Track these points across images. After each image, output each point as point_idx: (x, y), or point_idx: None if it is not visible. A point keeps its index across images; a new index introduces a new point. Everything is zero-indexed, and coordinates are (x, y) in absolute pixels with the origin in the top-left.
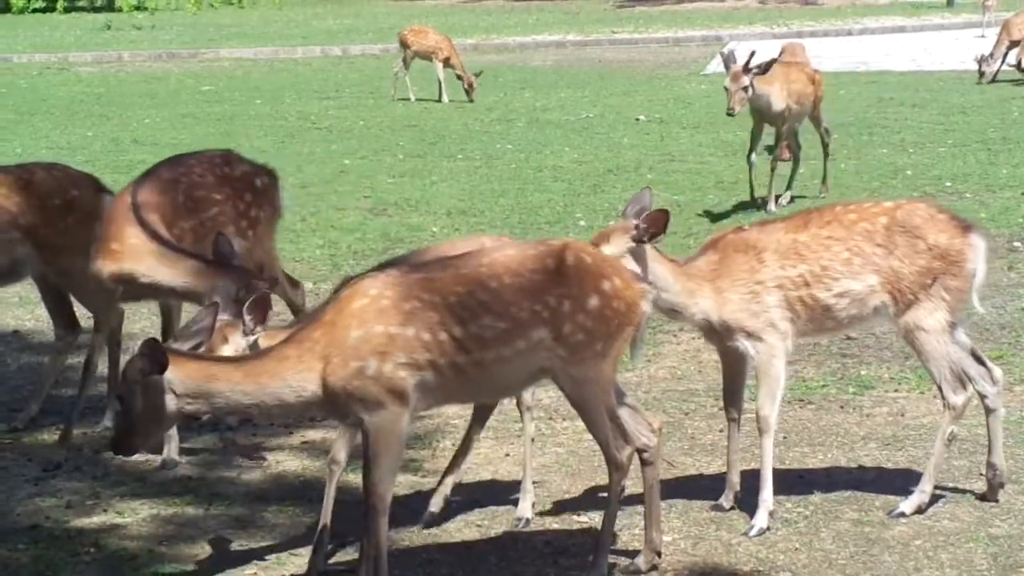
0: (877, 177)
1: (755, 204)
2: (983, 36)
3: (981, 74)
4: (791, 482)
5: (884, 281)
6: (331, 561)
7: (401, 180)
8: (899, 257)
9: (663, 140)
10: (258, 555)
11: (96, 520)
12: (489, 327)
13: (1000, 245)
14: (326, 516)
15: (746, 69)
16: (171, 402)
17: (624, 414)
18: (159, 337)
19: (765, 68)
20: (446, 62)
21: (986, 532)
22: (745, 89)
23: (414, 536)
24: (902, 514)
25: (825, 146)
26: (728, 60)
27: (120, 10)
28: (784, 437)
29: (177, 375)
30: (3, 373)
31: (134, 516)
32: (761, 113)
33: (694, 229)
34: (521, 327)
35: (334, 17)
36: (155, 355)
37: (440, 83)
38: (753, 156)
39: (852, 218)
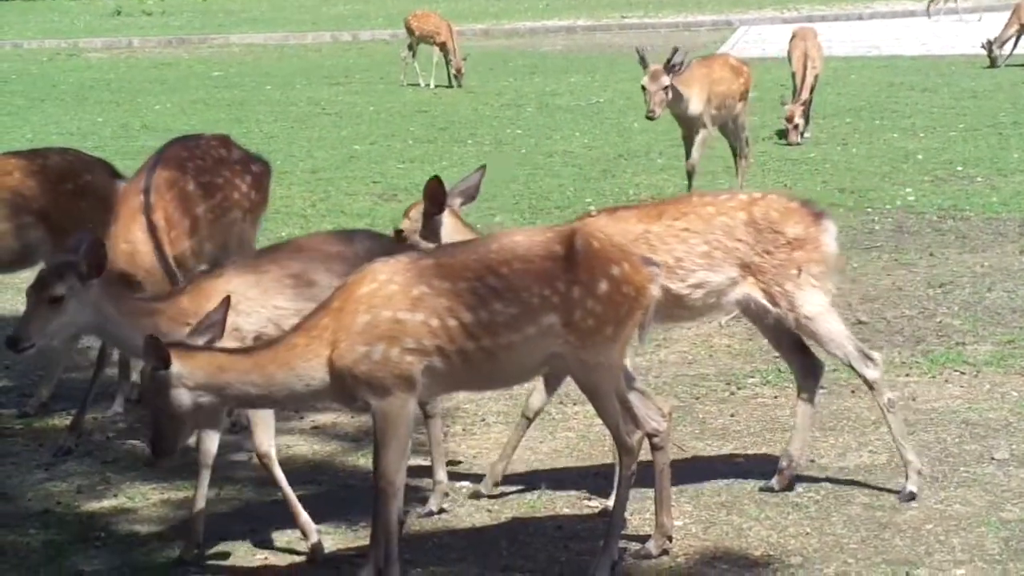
0: (888, 162)
1: None
2: (980, 19)
3: (992, 60)
4: (802, 466)
5: (747, 275)
6: (342, 546)
7: (411, 165)
8: (761, 253)
9: (673, 125)
10: (268, 540)
11: (107, 505)
12: (500, 313)
13: (1011, 229)
14: (296, 507)
15: (667, 67)
16: (185, 396)
17: (634, 399)
18: None
19: (681, 70)
20: (442, 47)
21: (997, 516)
22: (666, 89)
23: (424, 521)
24: (912, 495)
25: (734, 150)
26: (644, 57)
27: None
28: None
29: (186, 368)
30: (13, 358)
31: (144, 501)
32: (679, 118)
33: None
34: (531, 313)
35: (344, 2)
36: (156, 351)
37: (447, 67)
38: (693, 158)
39: (710, 211)
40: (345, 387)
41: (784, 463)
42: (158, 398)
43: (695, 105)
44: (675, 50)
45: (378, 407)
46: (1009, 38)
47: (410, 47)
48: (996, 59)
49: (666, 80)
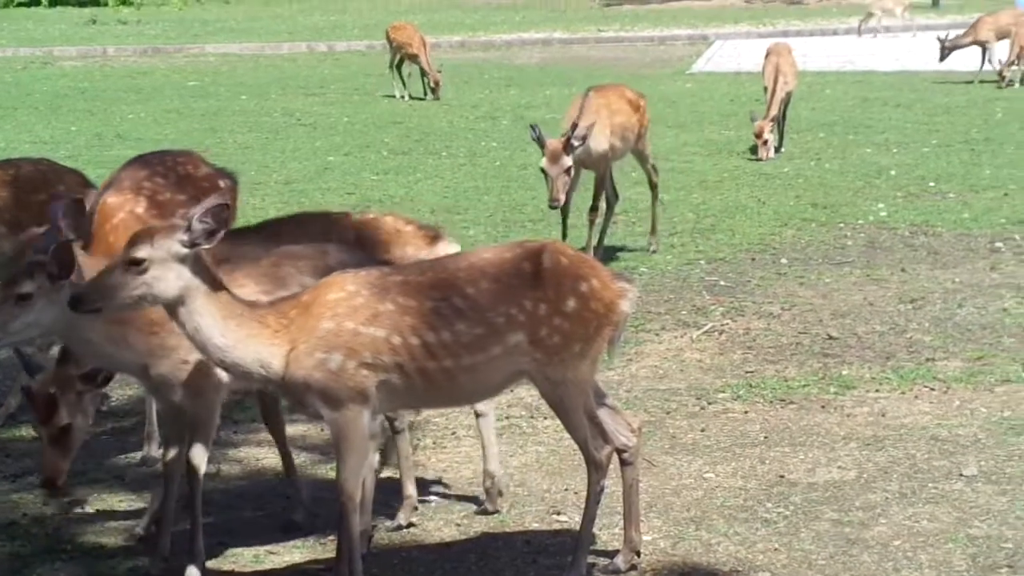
0: (861, 177)
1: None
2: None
3: (943, 55)
4: (771, 482)
5: None
6: (310, 559)
7: (385, 177)
8: None
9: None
10: (235, 553)
11: (73, 516)
12: (464, 334)
13: (982, 245)
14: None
15: (567, 146)
16: (175, 284)
17: (603, 414)
18: None
19: (585, 138)
20: (412, 58)
21: (965, 533)
22: (568, 171)
23: (392, 535)
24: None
25: (653, 187)
26: (540, 136)
27: (106, 5)
28: (765, 437)
29: (202, 265)
30: None
31: (112, 513)
32: (578, 158)
33: (678, 228)
34: (497, 333)
35: (320, 13)
36: (222, 222)
37: (422, 79)
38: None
39: (319, 230)
40: (296, 391)
41: (488, 483)
42: (159, 265)
43: (599, 142)
44: (574, 126)
45: (330, 419)
46: (962, 46)
47: (393, 59)
48: (945, 57)
49: (568, 161)
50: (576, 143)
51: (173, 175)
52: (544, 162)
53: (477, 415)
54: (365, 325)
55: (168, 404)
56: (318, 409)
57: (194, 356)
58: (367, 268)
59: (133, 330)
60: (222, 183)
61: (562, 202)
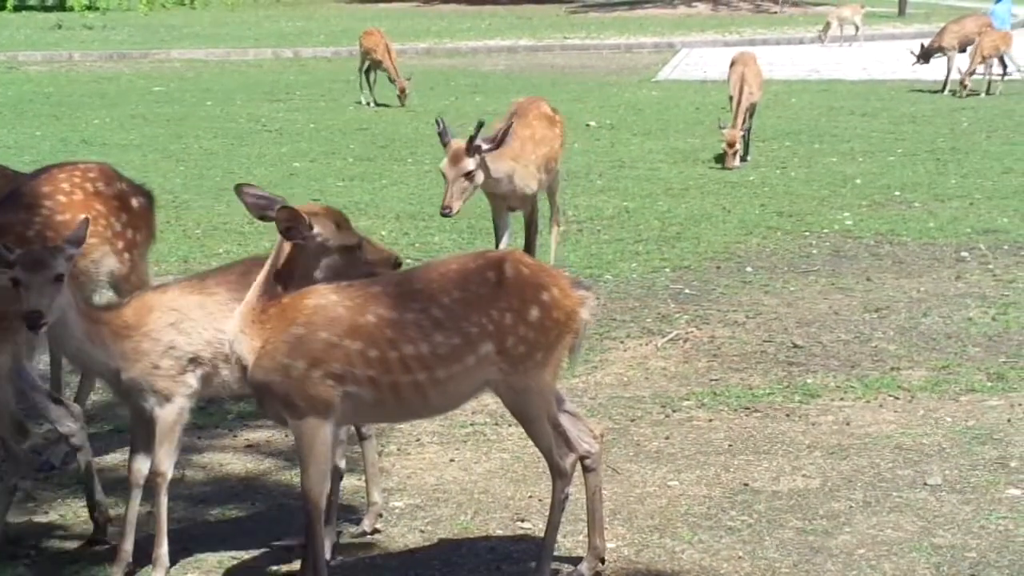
0: (826, 186)
1: None
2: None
3: (924, 58)
4: (735, 490)
5: None
6: (274, 567)
7: (351, 183)
8: None
9: (613, 146)
10: (200, 559)
11: (37, 522)
12: (441, 345)
13: (948, 255)
14: (163, 536)
15: (470, 147)
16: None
17: (565, 421)
18: None
19: (499, 141)
20: (377, 64)
21: (929, 542)
22: (469, 175)
23: (357, 541)
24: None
25: (556, 223)
26: (444, 130)
27: (71, 9)
28: (729, 445)
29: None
30: None
31: (75, 519)
32: (503, 198)
33: (643, 236)
34: (471, 343)
35: (286, 19)
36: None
37: (398, 84)
38: (504, 243)
39: None
40: (259, 391)
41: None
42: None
43: (530, 183)
44: (480, 124)
45: (293, 427)
46: (934, 51)
47: (361, 65)
48: (927, 61)
49: (470, 164)
50: (485, 146)
51: (80, 192)
52: (444, 163)
53: (362, 438)
54: (340, 337)
55: (138, 410)
56: (280, 415)
57: (165, 362)
58: (347, 280)
59: (109, 331)
60: (134, 201)
61: (455, 210)
